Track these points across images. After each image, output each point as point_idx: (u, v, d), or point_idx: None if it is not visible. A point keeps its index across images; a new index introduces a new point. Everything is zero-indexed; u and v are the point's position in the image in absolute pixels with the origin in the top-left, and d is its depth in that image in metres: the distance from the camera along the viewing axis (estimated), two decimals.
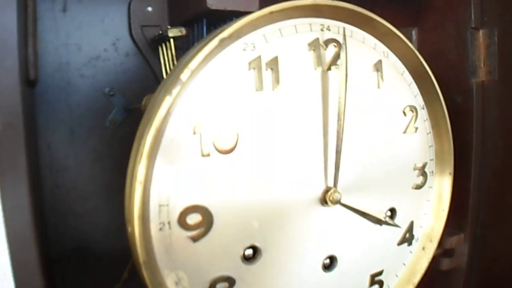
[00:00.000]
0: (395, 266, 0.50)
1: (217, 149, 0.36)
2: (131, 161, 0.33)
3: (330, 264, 0.44)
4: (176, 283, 0.36)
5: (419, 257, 0.51)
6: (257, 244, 0.39)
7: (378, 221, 0.46)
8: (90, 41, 0.49)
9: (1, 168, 0.31)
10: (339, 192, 0.41)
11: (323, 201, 0.42)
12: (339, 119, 0.40)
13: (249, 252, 0.39)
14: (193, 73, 0.34)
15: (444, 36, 0.56)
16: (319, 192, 0.41)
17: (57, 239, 0.52)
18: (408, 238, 0.50)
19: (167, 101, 0.33)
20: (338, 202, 0.42)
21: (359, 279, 0.47)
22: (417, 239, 0.51)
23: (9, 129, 0.31)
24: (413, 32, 0.59)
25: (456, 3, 0.55)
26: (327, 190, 0.41)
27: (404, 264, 0.51)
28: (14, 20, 0.30)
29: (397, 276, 0.51)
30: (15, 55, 0.31)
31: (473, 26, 0.53)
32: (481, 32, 0.54)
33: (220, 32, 0.35)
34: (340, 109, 0.40)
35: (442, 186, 0.51)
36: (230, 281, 0.38)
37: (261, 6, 0.40)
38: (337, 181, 0.41)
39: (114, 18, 0.50)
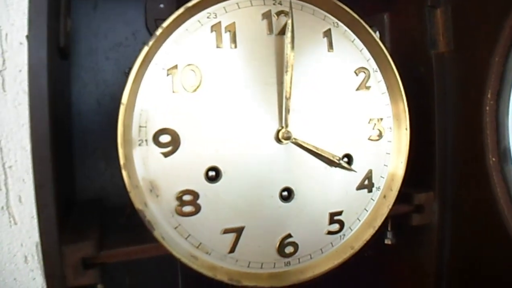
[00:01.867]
0: (356, 210, 0.57)
1: (184, 88, 0.48)
2: None
3: (288, 196, 0.53)
4: (150, 190, 0.47)
5: (380, 204, 0.58)
6: (218, 166, 0.49)
7: (331, 163, 0.54)
8: (114, 31, 0.65)
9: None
10: (289, 131, 0.51)
11: (277, 139, 0.51)
12: (286, 71, 0.50)
13: (212, 173, 0.49)
14: (166, 30, 0.47)
15: (409, 16, 0.65)
16: (273, 131, 0.51)
17: (82, 190, 0.66)
18: (367, 185, 0.57)
19: (144, 49, 0.46)
20: (289, 139, 0.51)
21: (317, 214, 0.54)
22: (379, 187, 0.58)
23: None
24: (385, 16, 0.68)
25: None
26: (279, 129, 0.51)
27: (366, 210, 0.57)
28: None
29: (359, 220, 0.57)
30: (44, 24, 0.45)
31: (429, 4, 0.61)
32: (438, 10, 0.61)
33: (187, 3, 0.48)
34: (288, 62, 0.50)
35: (400, 140, 0.58)
36: (195, 194, 0.48)
37: None
38: (287, 122, 0.51)
39: (133, 13, 0.65)
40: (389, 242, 0.67)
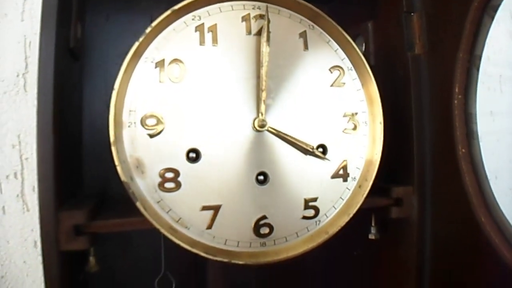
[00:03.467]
0: (332, 198, 0.60)
1: (170, 79, 0.54)
2: None
3: (263, 180, 0.57)
4: (137, 167, 0.53)
5: (356, 193, 0.61)
6: (198, 148, 0.55)
7: (306, 151, 0.58)
8: (123, 39, 0.73)
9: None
10: (264, 120, 0.56)
11: (254, 127, 0.57)
12: (261, 66, 0.56)
13: (193, 155, 0.55)
14: (154, 29, 0.54)
15: (389, 23, 0.69)
16: (250, 119, 0.57)
17: (89, 186, 0.73)
18: (342, 175, 0.60)
19: (135, 44, 0.53)
20: (264, 127, 0.56)
21: (292, 199, 0.58)
22: (354, 178, 0.61)
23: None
24: (369, 25, 0.73)
25: None
26: (255, 118, 0.56)
27: (342, 199, 0.61)
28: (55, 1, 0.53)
29: (334, 208, 0.60)
30: (53, 27, 0.54)
31: (405, 10, 0.66)
32: (414, 15, 0.66)
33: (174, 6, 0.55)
34: (263, 58, 0.56)
35: (374, 133, 0.62)
36: (176, 172, 0.54)
37: None
38: (263, 112, 0.56)
39: (139, 22, 0.74)
40: (373, 237, 0.69)
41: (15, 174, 0.72)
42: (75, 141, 0.69)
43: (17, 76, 0.72)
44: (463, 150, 0.58)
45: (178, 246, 0.53)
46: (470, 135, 0.58)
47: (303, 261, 0.82)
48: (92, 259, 0.58)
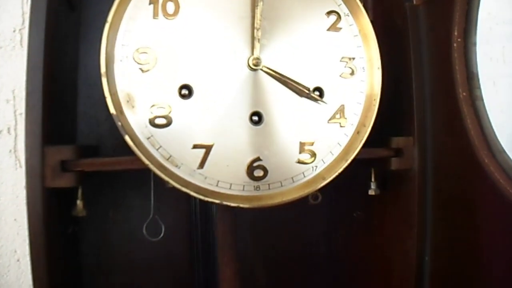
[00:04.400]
0: (329, 143, 0.58)
1: (163, 15, 0.53)
2: None
3: (258, 120, 0.56)
4: (127, 101, 0.52)
5: (354, 139, 0.59)
6: (191, 84, 0.53)
7: (301, 92, 0.57)
8: None
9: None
10: (259, 59, 0.55)
11: (248, 65, 0.55)
12: (256, 5, 0.55)
13: (185, 91, 0.53)
14: None
15: None
16: (245, 58, 0.55)
17: (82, 137, 0.72)
18: (339, 119, 0.59)
19: None
20: (258, 66, 0.55)
21: (287, 141, 0.57)
22: (352, 123, 0.59)
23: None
24: None
25: None
26: (250, 56, 0.55)
27: (340, 144, 0.59)
28: None
29: (332, 153, 0.59)
30: None
31: None
32: None
33: None
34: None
35: (372, 79, 0.60)
36: (168, 108, 0.52)
37: None
38: (257, 50, 0.55)
39: None
40: (373, 193, 0.67)
41: (9, 129, 0.70)
42: (68, 90, 0.68)
43: (14, 31, 0.71)
44: (464, 94, 0.56)
45: (167, 184, 0.52)
46: (471, 78, 0.56)
47: (305, 226, 0.82)
48: (79, 202, 0.56)
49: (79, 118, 0.71)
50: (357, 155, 0.58)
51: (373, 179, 0.67)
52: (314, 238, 0.82)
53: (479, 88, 0.56)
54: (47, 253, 0.52)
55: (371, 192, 0.67)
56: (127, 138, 0.50)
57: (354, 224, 0.76)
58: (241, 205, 0.54)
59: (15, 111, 0.71)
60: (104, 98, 0.50)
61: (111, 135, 0.72)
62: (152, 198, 0.55)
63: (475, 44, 0.57)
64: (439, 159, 0.63)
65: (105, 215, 0.70)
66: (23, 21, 0.71)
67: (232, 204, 0.53)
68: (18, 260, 0.71)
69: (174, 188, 0.58)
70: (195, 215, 0.72)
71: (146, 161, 0.50)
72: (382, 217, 0.70)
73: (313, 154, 0.58)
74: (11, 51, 0.71)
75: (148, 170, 0.54)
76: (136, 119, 0.51)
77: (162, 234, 0.56)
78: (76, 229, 0.64)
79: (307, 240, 0.82)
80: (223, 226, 0.62)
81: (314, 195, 0.69)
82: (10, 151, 0.71)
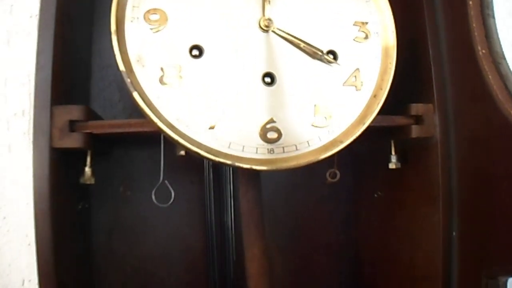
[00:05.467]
0: (345, 107, 0.56)
1: None
2: None
3: (270, 81, 0.54)
4: (137, 61, 0.51)
5: (371, 103, 0.57)
6: (201, 45, 0.53)
7: (314, 54, 0.56)
8: None
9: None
10: (270, 20, 0.54)
11: (260, 27, 0.54)
12: None
13: (196, 52, 0.53)
14: None
15: None
16: (256, 19, 0.55)
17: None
18: (354, 83, 0.57)
19: None
20: (270, 27, 0.54)
21: (302, 104, 0.55)
22: (368, 87, 0.57)
23: None
24: None
25: None
26: (261, 17, 0.54)
27: (356, 108, 0.56)
28: None
29: (349, 117, 0.56)
30: None
31: None
32: None
33: None
34: None
35: (387, 43, 0.58)
36: (178, 68, 0.51)
37: None
38: (268, 11, 0.54)
39: None
40: (394, 166, 0.64)
41: (23, 112, 0.71)
42: (82, 72, 0.68)
43: (30, 17, 0.73)
44: (483, 51, 0.54)
45: (177, 143, 0.50)
46: (489, 35, 0.54)
47: (324, 211, 0.78)
48: (88, 170, 0.55)
49: (92, 100, 0.72)
50: (375, 119, 0.55)
51: (393, 152, 0.64)
52: (334, 223, 0.78)
53: (500, 44, 0.54)
54: (52, 221, 0.50)
55: (391, 166, 0.64)
56: (135, 94, 0.49)
57: (375, 205, 0.72)
58: (254, 167, 0.51)
59: (29, 94, 0.71)
60: (113, 56, 0.50)
61: (124, 117, 0.72)
62: (161, 163, 0.53)
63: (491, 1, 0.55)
64: (462, 125, 0.59)
65: (116, 194, 0.68)
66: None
67: (245, 166, 0.51)
68: (29, 244, 0.69)
69: (185, 155, 0.57)
70: (209, 190, 0.70)
71: (155, 119, 0.49)
72: (404, 194, 0.66)
73: (329, 117, 0.55)
74: (27, 37, 0.73)
75: (159, 135, 0.53)
76: (146, 78, 0.51)
77: (171, 200, 0.53)
78: (86, 205, 0.62)
79: (327, 225, 0.78)
80: (247, 203, 0.60)
81: (332, 173, 0.67)
82: (24, 133, 0.71)
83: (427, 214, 0.61)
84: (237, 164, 0.51)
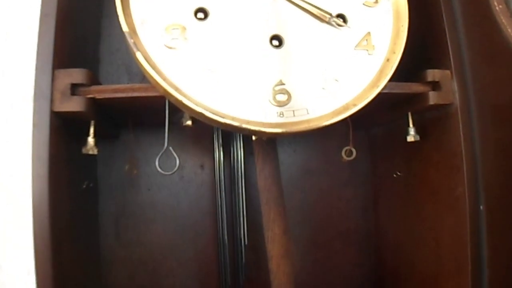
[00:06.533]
0: (357, 70, 0.53)
1: None
2: None
3: (278, 44, 0.52)
4: (141, 23, 0.50)
5: (384, 67, 0.54)
6: (206, 7, 0.51)
7: (322, 17, 0.54)
8: None
9: None
10: None
11: None
12: None
13: (201, 15, 0.51)
14: None
15: None
16: None
17: None
18: (366, 46, 0.54)
19: None
20: None
21: (312, 66, 0.52)
22: (381, 51, 0.55)
23: None
24: None
25: None
26: None
27: (369, 72, 0.54)
28: None
29: (361, 81, 0.53)
30: None
31: None
32: None
33: None
34: None
35: (398, 6, 0.56)
36: (183, 29, 0.50)
37: None
38: None
39: None
40: (412, 139, 0.60)
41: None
42: (90, 57, 0.68)
43: None
44: (500, 6, 0.51)
45: (181, 106, 0.48)
46: None
47: (341, 197, 0.74)
48: (91, 139, 0.53)
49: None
50: (388, 83, 0.53)
51: (411, 125, 0.61)
52: (353, 210, 0.74)
53: None
54: (51, 190, 0.48)
55: (410, 139, 0.60)
56: (138, 55, 0.47)
57: (395, 187, 0.68)
58: (263, 129, 0.49)
59: None
60: (117, 17, 0.49)
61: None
62: (166, 129, 0.51)
63: None
64: (482, 90, 0.56)
65: (122, 177, 0.66)
66: None
67: (253, 128, 0.48)
68: None
69: (192, 124, 0.55)
70: (220, 175, 0.67)
71: (158, 78, 0.47)
72: (425, 170, 0.63)
73: (340, 81, 0.53)
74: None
75: (164, 101, 0.51)
76: (150, 41, 0.49)
77: (176, 168, 0.51)
78: (91, 185, 0.60)
79: (345, 212, 0.74)
80: (264, 180, 0.57)
81: (347, 150, 0.64)
82: None
83: (450, 188, 0.57)
84: (244, 126, 0.48)
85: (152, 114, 0.58)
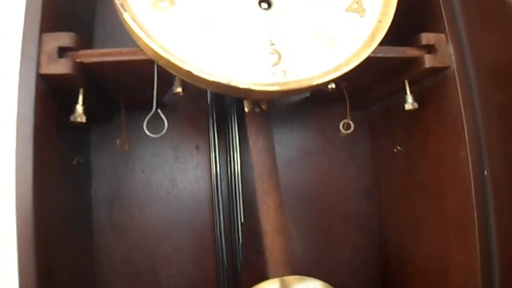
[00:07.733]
0: (349, 32, 0.53)
1: None
2: None
3: (267, 6, 0.52)
4: None
5: (377, 28, 0.53)
6: None
7: None
8: None
9: None
10: None
11: None
12: None
13: None
14: None
15: None
16: None
17: None
18: (357, 9, 0.54)
19: None
20: None
21: (302, 28, 0.51)
22: (372, 13, 0.54)
23: None
24: None
25: None
26: None
27: (361, 34, 0.53)
28: None
29: (354, 42, 0.52)
30: None
31: None
32: None
33: None
34: None
35: None
36: None
37: None
38: None
39: None
40: (410, 107, 0.58)
41: None
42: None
43: None
44: None
45: (168, 64, 0.47)
46: None
47: (342, 178, 0.72)
48: (79, 107, 0.52)
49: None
50: (381, 45, 0.52)
51: (408, 92, 0.59)
52: (354, 191, 0.71)
53: None
54: (35, 159, 0.47)
55: (408, 107, 0.59)
56: (126, 15, 0.47)
57: (396, 163, 0.66)
58: (252, 87, 0.47)
59: None
60: None
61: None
62: (154, 91, 0.50)
63: None
64: (479, 52, 0.54)
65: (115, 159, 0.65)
66: None
67: (241, 86, 0.47)
68: None
69: (182, 92, 0.54)
70: (215, 155, 0.66)
71: (146, 38, 0.47)
72: (425, 140, 0.60)
73: (331, 42, 0.52)
74: None
75: (152, 66, 0.51)
76: (138, 3, 0.49)
77: (164, 130, 0.49)
78: (81, 160, 0.59)
79: (346, 194, 0.71)
80: (258, 153, 0.56)
81: (345, 124, 0.62)
82: None
83: (453, 154, 0.55)
84: (233, 84, 0.47)
85: (144, 88, 0.57)
